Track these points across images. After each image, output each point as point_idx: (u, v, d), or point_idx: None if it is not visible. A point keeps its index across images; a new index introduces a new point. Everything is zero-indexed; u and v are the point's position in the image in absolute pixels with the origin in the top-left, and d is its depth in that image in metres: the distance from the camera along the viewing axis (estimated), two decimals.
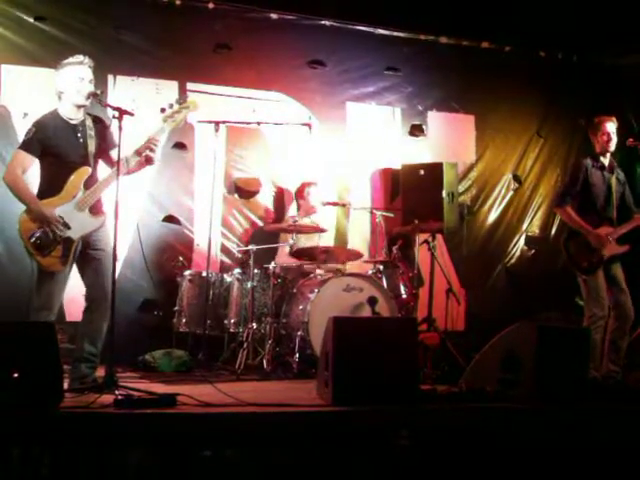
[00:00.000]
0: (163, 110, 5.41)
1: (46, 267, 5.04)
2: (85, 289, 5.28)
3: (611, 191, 6.38)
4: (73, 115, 5.25)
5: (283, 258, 7.21)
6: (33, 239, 5.01)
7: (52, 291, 5.10)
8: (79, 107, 5.25)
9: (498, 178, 8.89)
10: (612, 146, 6.41)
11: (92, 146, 5.27)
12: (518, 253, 8.92)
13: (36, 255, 5.02)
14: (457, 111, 8.70)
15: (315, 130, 7.68)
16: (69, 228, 5.07)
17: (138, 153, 5.18)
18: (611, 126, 6.39)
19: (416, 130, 8.55)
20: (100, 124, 5.40)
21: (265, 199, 7.94)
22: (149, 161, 5.25)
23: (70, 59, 5.26)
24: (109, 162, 5.36)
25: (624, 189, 6.49)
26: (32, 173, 5.26)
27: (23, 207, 5.10)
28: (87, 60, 5.26)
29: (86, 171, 5.20)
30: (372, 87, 8.40)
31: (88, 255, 5.21)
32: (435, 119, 8.63)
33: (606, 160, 6.45)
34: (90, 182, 5.21)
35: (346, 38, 8.22)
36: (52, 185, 5.14)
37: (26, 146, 5.16)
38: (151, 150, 5.22)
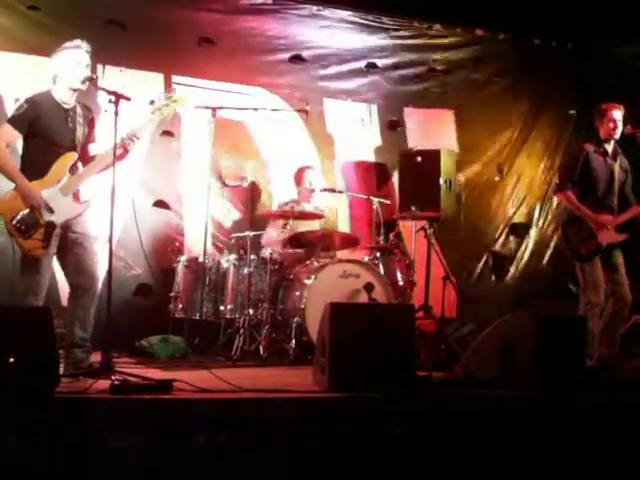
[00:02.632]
0: (152, 102, 5.40)
1: (27, 250, 4.97)
2: (68, 275, 5.24)
3: (613, 178, 6.35)
4: (66, 99, 5.21)
5: (271, 244, 7.19)
6: (15, 220, 4.95)
7: (37, 275, 5.03)
8: (74, 91, 5.21)
9: (483, 168, 8.89)
10: (617, 134, 6.37)
11: (80, 133, 5.23)
12: (504, 241, 8.93)
13: (17, 237, 4.95)
14: (434, 106, 8.70)
15: (296, 124, 7.85)
16: (52, 212, 5.02)
17: (120, 145, 5.10)
18: (618, 114, 6.35)
19: (392, 126, 8.59)
20: (89, 115, 5.38)
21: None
22: (122, 157, 5.17)
23: (67, 43, 5.21)
24: (85, 157, 5.31)
25: (626, 177, 6.46)
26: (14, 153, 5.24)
27: (4, 189, 5.07)
28: (84, 44, 5.22)
29: (72, 156, 5.17)
30: (350, 84, 8.42)
31: (68, 239, 5.15)
32: (413, 114, 8.64)
33: (610, 147, 6.40)
34: (75, 168, 5.19)
35: (329, 30, 8.23)
36: (37, 167, 5.08)
37: (14, 121, 5.09)
38: (130, 143, 5.18)
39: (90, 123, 5.39)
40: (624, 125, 6.44)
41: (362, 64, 8.44)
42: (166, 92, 5.54)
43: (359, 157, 8.50)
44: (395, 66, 8.56)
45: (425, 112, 8.70)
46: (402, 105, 8.62)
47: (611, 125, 6.34)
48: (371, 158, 8.49)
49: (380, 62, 8.50)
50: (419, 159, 7.73)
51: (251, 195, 7.88)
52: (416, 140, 8.56)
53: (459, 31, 8.70)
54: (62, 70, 5.17)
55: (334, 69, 8.33)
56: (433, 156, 7.66)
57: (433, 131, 8.72)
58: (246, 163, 7.93)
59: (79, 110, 5.28)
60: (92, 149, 5.37)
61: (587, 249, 6.21)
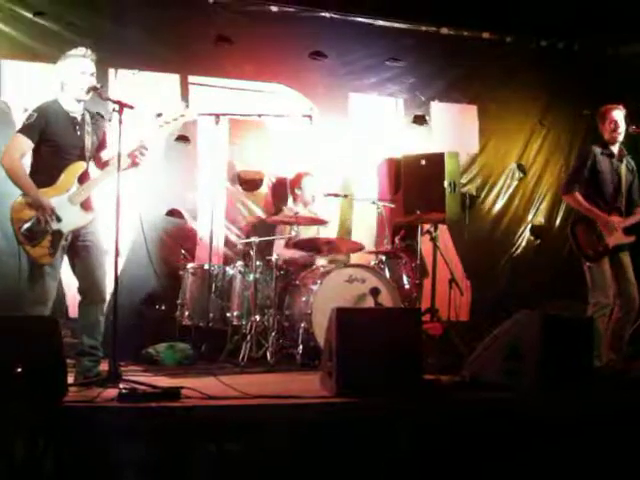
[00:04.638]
0: (160, 115, 5.47)
1: (35, 258, 5.04)
2: (78, 282, 5.30)
3: (620, 180, 6.37)
4: (73, 108, 5.26)
5: (280, 249, 7.21)
6: (24, 228, 5.02)
7: (45, 285, 5.10)
8: (79, 101, 5.26)
9: (502, 168, 8.86)
10: (620, 134, 6.38)
11: (89, 142, 5.28)
12: (524, 243, 8.91)
13: (25, 244, 5.03)
14: (460, 101, 8.69)
15: (317, 121, 7.65)
16: (60, 221, 5.08)
17: (129, 155, 5.20)
18: (618, 114, 6.36)
19: (419, 121, 8.53)
20: (98, 123, 5.43)
21: (268, 191, 7.94)
22: (135, 165, 5.28)
23: (73, 51, 5.28)
24: (98, 163, 5.40)
25: (633, 178, 6.47)
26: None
27: (15, 196, 5.13)
28: (89, 53, 5.27)
29: (81, 166, 5.23)
30: (374, 78, 8.36)
31: (77, 247, 5.22)
32: (438, 110, 8.59)
33: (615, 148, 6.41)
34: (84, 177, 5.25)
35: (347, 29, 8.19)
36: (46, 175, 5.15)
37: (26, 130, 5.15)
38: (141, 154, 5.27)
39: (101, 132, 5.45)
40: (628, 124, 6.46)
41: (384, 58, 8.38)
42: (175, 106, 5.59)
43: (385, 155, 8.40)
44: (416, 62, 8.54)
45: (450, 107, 8.67)
46: (428, 99, 8.59)
47: (612, 126, 6.35)
48: (397, 156, 8.29)
49: (401, 58, 8.44)
50: (423, 162, 7.74)
51: (272, 198, 7.90)
52: (439, 136, 8.54)
53: (466, 35, 8.69)
54: (68, 79, 5.23)
55: (356, 64, 8.27)
56: (437, 159, 7.67)
57: (456, 128, 8.69)
58: (265, 165, 7.89)
59: (88, 119, 5.33)
60: (104, 155, 5.44)
61: (594, 250, 6.22)
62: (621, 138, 6.40)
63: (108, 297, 5.31)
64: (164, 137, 5.49)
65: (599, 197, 6.34)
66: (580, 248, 6.31)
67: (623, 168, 6.40)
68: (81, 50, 5.28)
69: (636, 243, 6.33)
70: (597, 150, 6.38)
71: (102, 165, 5.38)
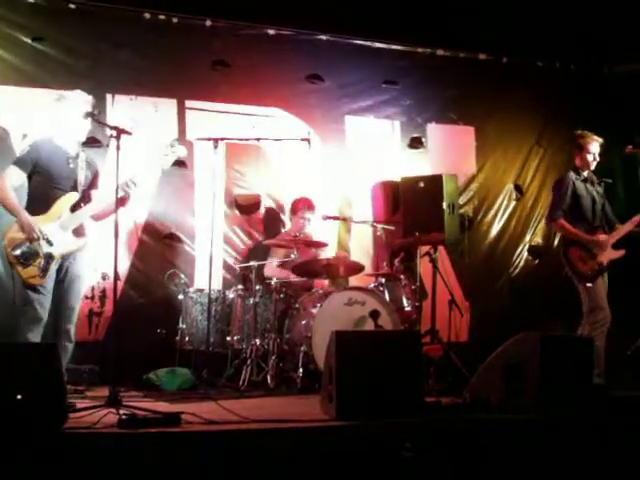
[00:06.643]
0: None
1: (26, 279, 5.31)
2: (53, 306, 5.50)
3: (595, 202, 6.66)
4: (68, 145, 5.58)
5: (272, 270, 7.22)
6: (16, 250, 5.30)
7: (36, 306, 5.33)
8: (74, 140, 5.60)
9: (500, 189, 8.88)
10: (594, 165, 6.70)
11: (82, 176, 5.59)
12: (522, 263, 8.90)
13: (16, 265, 5.31)
14: (457, 123, 8.70)
15: (315, 144, 7.65)
16: (51, 245, 5.37)
17: (118, 200, 5.18)
18: (596, 147, 6.69)
19: (416, 142, 8.54)
20: (92, 163, 5.74)
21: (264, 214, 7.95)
22: (123, 202, 5.44)
23: (67, 93, 5.58)
24: (87, 199, 5.63)
25: (604, 201, 6.72)
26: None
27: (8, 222, 5.43)
28: (84, 95, 5.54)
29: (74, 197, 5.53)
30: (370, 101, 8.39)
31: (63, 275, 5.50)
32: (435, 131, 8.62)
33: (586, 173, 6.72)
34: (77, 207, 5.53)
35: (343, 52, 8.24)
36: (40, 204, 5.46)
37: (18, 162, 5.52)
38: (128, 189, 5.52)
39: (94, 170, 5.74)
40: (624, 145, 6.62)
41: (380, 81, 8.41)
42: (169, 142, 5.77)
43: (383, 177, 8.40)
44: (412, 84, 8.57)
45: (447, 128, 8.69)
46: (425, 121, 8.61)
47: (590, 158, 6.68)
48: (395, 177, 8.27)
49: (397, 80, 8.48)
50: (422, 184, 7.75)
51: (267, 221, 7.91)
52: (436, 158, 8.56)
53: (462, 56, 8.74)
54: (63, 120, 5.54)
55: (353, 87, 8.30)
56: (435, 181, 7.69)
57: (453, 149, 8.71)
58: (263, 188, 7.89)
59: (82, 156, 5.63)
60: (94, 195, 5.69)
61: (591, 269, 6.36)
62: (593, 168, 6.73)
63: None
64: (158, 173, 5.70)
65: (583, 219, 6.61)
66: (576, 270, 6.46)
67: (595, 192, 6.70)
68: (76, 92, 5.57)
69: (630, 257, 6.54)
70: (573, 176, 6.68)
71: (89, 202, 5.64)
